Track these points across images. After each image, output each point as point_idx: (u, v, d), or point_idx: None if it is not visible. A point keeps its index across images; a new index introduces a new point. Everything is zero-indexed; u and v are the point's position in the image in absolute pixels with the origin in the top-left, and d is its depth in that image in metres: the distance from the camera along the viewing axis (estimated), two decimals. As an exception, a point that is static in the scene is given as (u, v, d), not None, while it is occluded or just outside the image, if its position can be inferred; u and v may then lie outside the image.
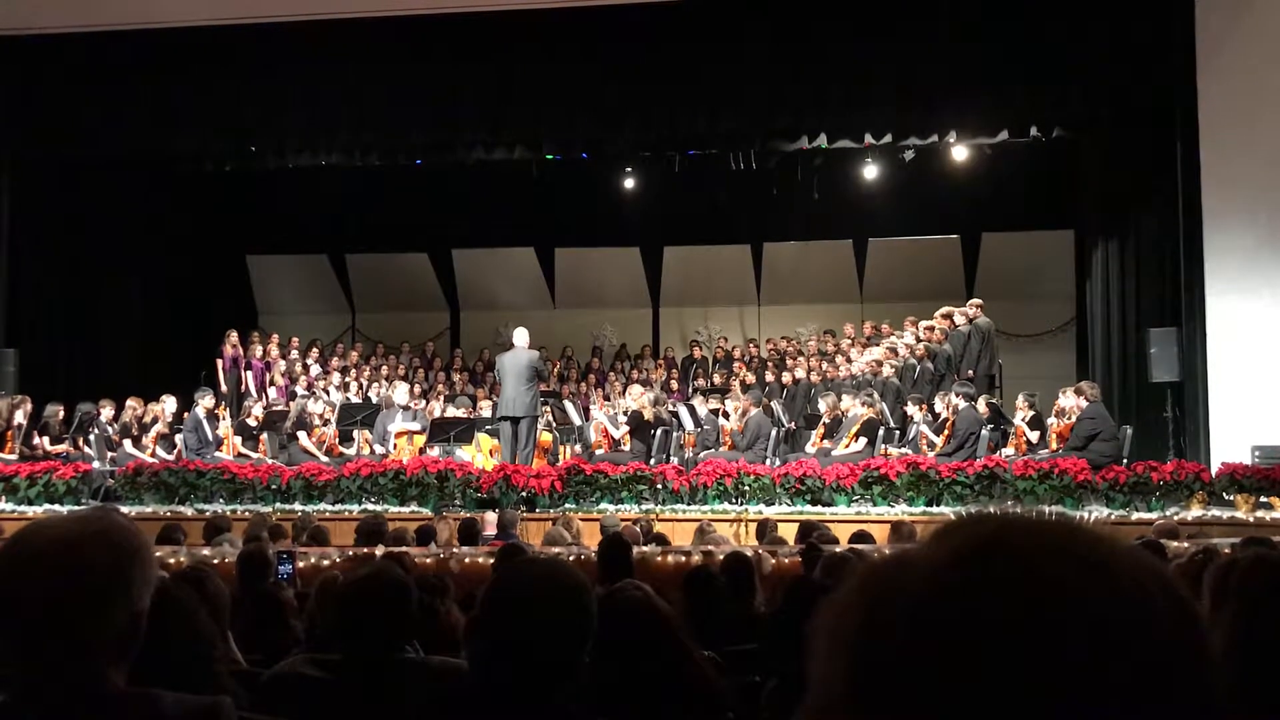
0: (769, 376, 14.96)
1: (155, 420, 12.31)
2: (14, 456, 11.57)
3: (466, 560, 7.04)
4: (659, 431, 11.80)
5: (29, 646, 1.39)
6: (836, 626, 0.72)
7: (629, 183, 15.95)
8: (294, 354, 15.36)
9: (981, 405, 11.44)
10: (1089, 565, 0.69)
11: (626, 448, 11.73)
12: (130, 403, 12.33)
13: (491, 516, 9.30)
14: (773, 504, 10.36)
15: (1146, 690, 0.66)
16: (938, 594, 0.69)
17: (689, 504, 10.42)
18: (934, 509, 10.10)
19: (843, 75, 12.50)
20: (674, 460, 11.59)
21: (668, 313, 17.88)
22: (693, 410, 12.45)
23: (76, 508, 9.94)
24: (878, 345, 13.72)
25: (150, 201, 15.13)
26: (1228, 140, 11.36)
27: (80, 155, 13.78)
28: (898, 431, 12.03)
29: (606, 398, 14.93)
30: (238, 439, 12.17)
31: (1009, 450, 11.25)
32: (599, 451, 11.99)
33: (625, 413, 12.24)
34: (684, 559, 7.04)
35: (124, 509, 10.62)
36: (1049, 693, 0.65)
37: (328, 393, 14.22)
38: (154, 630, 1.50)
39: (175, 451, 12.00)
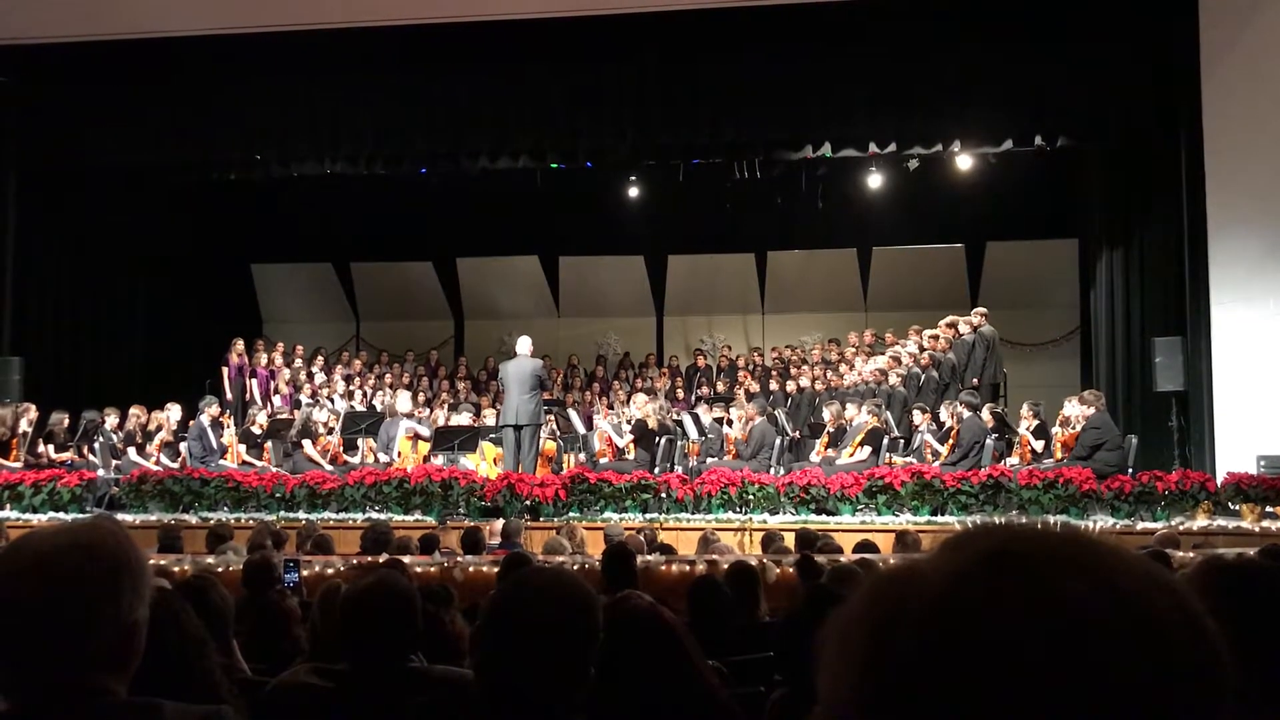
0: (773, 385, 14.94)
1: (160, 428, 12.32)
2: (19, 464, 11.58)
3: (471, 569, 7.04)
4: (663, 440, 11.79)
5: (17, 657, 1.41)
6: (845, 638, 0.72)
7: (633, 191, 15.98)
8: (298, 362, 15.38)
9: (986, 414, 11.42)
10: (1097, 577, 0.69)
11: (631, 456, 11.72)
12: (134, 411, 12.34)
13: (496, 525, 9.30)
14: (777, 513, 10.35)
15: (1156, 701, 0.66)
16: (946, 606, 0.69)
17: (693, 513, 10.40)
18: (939, 518, 10.09)
19: (846, 84, 12.51)
20: (678, 469, 11.59)
21: (672, 321, 17.89)
22: (697, 419, 12.43)
23: (80, 515, 9.94)
24: (882, 354, 13.71)
25: (155, 210, 15.18)
26: (1232, 149, 11.35)
27: (86, 164, 13.82)
28: (902, 440, 12.01)
29: (610, 406, 14.91)
30: (242, 447, 12.17)
31: (1014, 460, 11.23)
32: (603, 460, 11.98)
33: (629, 421, 12.23)
34: (688, 568, 7.03)
35: (128, 517, 10.63)
36: (1058, 705, 0.65)
37: (332, 401, 14.23)
38: (147, 639, 1.51)
39: (180, 460, 12.02)
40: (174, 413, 12.55)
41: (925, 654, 0.67)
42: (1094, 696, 0.65)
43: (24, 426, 11.85)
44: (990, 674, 0.66)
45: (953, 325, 13.34)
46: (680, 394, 15.63)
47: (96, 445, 12.12)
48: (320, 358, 15.88)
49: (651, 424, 11.87)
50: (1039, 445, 11.08)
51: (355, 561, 7.05)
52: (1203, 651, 0.69)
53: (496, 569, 6.14)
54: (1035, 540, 0.72)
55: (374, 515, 10.31)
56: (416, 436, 12.13)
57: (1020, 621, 0.67)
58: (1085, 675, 0.65)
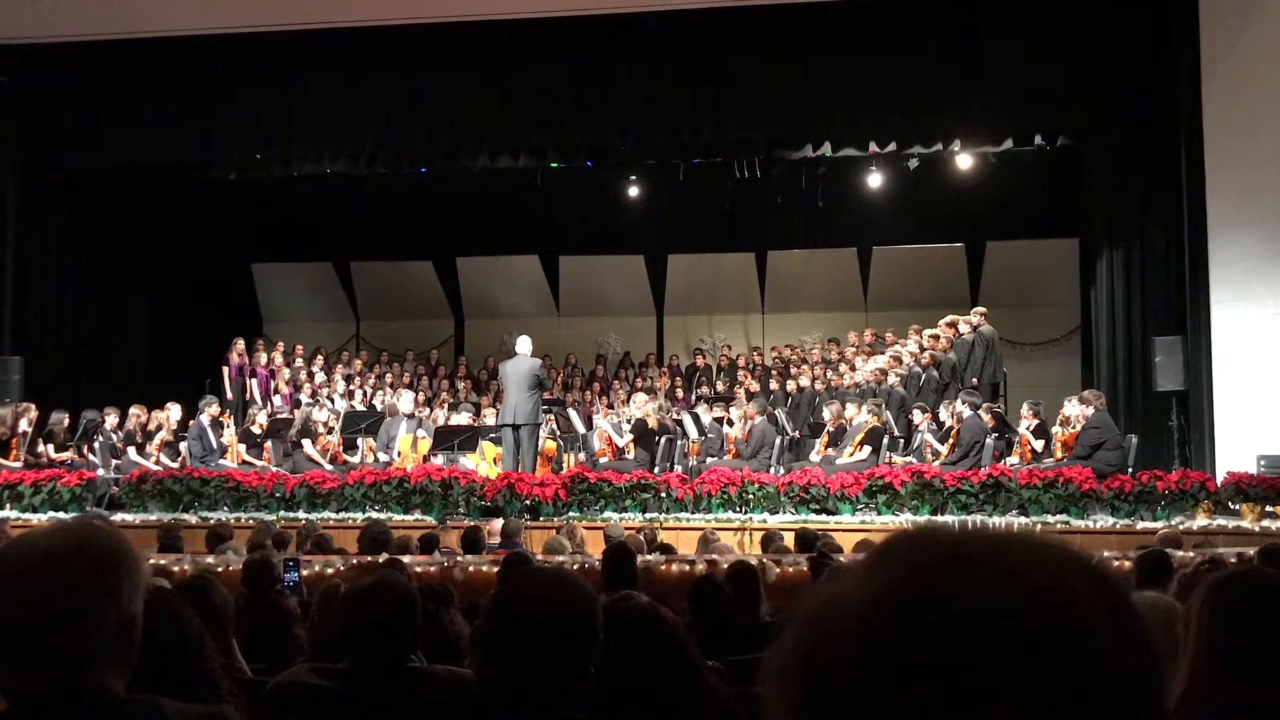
0: (773, 385, 14.94)
1: (160, 428, 12.32)
2: (19, 464, 11.57)
3: (470, 569, 7.03)
4: (663, 440, 11.79)
5: (17, 656, 1.41)
6: (778, 679, 0.71)
7: (633, 190, 15.99)
8: (299, 362, 15.38)
9: (986, 414, 11.42)
10: (1014, 579, 0.68)
11: (631, 456, 11.71)
12: (134, 410, 12.34)
13: (496, 525, 9.29)
14: (777, 513, 10.34)
15: (1092, 693, 0.66)
16: (867, 638, 0.68)
17: (693, 512, 10.40)
18: (939, 518, 10.08)
19: (847, 83, 12.51)
20: (678, 469, 11.58)
21: (672, 321, 17.88)
22: (697, 419, 12.43)
23: (76, 515, 9.93)
24: (882, 353, 13.70)
25: (155, 209, 15.19)
26: (1232, 149, 11.35)
27: (86, 163, 13.83)
28: (902, 440, 12.01)
29: (610, 406, 14.92)
30: (242, 446, 12.17)
31: (1014, 459, 11.22)
32: (603, 460, 11.98)
33: (629, 421, 12.23)
34: (688, 568, 7.03)
35: (128, 517, 10.64)
36: (994, 716, 0.65)
37: (332, 400, 14.23)
38: (144, 637, 1.51)
39: (180, 459, 12.01)
40: (174, 412, 12.54)
41: (854, 689, 0.67)
42: (1027, 701, 0.65)
43: (24, 426, 11.84)
44: (920, 699, 0.65)
45: (953, 325, 13.34)
46: (680, 393, 15.63)
47: (96, 445, 12.12)
48: (320, 357, 15.89)
49: (651, 423, 11.87)
50: (1039, 445, 11.08)
51: (355, 561, 7.05)
52: (1133, 639, 0.69)
53: (496, 569, 6.14)
54: (945, 551, 0.71)
55: (374, 515, 10.31)
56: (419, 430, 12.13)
57: (940, 642, 0.66)
58: (1015, 681, 0.65)
